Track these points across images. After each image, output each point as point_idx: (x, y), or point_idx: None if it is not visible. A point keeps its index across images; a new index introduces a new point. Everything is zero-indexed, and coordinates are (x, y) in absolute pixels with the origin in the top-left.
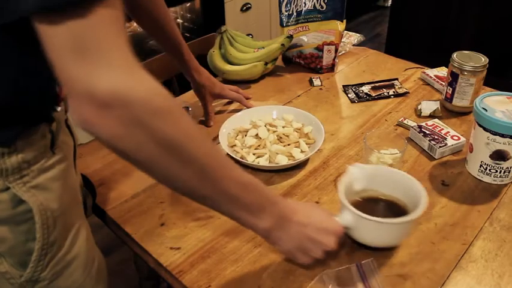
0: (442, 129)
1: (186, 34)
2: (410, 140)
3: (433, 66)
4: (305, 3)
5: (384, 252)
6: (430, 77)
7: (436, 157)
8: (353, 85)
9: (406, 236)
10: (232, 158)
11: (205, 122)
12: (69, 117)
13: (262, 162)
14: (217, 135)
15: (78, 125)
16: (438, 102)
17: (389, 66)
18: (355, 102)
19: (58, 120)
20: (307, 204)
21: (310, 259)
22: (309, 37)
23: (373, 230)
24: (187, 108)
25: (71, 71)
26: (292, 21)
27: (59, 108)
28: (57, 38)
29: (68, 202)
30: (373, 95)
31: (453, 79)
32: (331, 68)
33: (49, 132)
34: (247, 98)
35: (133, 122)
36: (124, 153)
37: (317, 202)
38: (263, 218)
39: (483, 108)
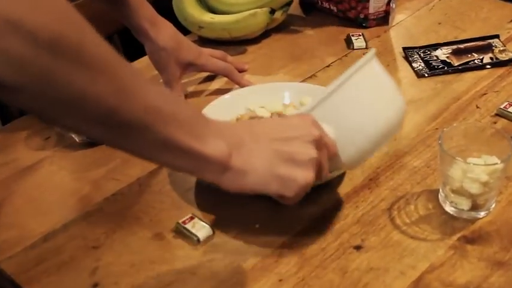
0: None
1: None
2: None
3: None
4: None
5: None
6: None
7: None
8: (421, 47)
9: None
10: None
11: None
12: None
13: None
14: None
15: None
16: None
17: (485, 13)
18: (424, 76)
19: None
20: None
21: (302, 179)
22: None
23: (353, 105)
24: None
25: None
26: None
27: None
28: None
29: None
30: (456, 64)
31: None
32: (384, 19)
33: None
34: (240, 71)
35: (4, 22)
36: None
37: (359, 247)
38: (210, 141)
39: None
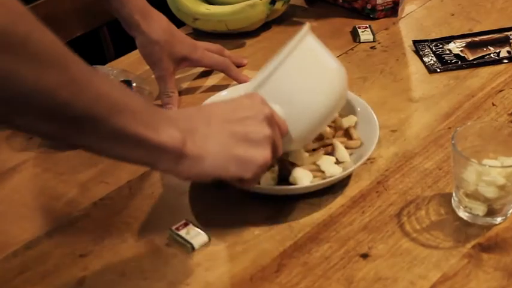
0: None
1: None
2: None
3: None
4: None
5: None
6: None
7: None
8: (433, 40)
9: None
10: None
11: (162, 108)
12: None
13: (266, 181)
14: None
15: None
16: None
17: (501, 4)
18: (436, 71)
19: None
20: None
21: (260, 158)
22: None
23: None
24: (128, 82)
25: None
26: None
27: None
28: None
29: None
30: (470, 58)
31: None
32: (392, 10)
33: None
34: (238, 66)
35: None
36: None
37: (365, 255)
38: (163, 129)
39: None
